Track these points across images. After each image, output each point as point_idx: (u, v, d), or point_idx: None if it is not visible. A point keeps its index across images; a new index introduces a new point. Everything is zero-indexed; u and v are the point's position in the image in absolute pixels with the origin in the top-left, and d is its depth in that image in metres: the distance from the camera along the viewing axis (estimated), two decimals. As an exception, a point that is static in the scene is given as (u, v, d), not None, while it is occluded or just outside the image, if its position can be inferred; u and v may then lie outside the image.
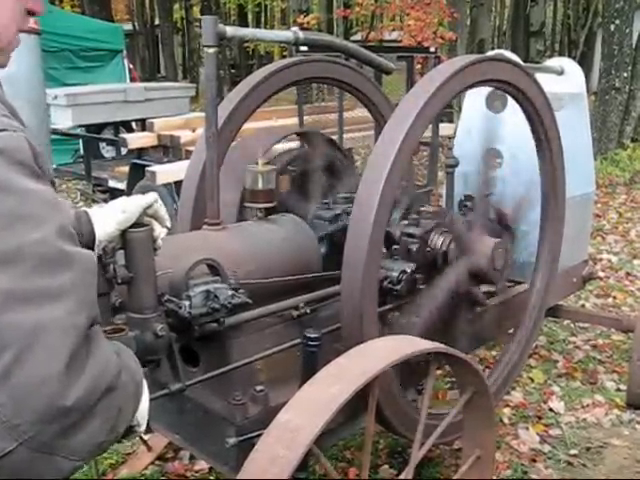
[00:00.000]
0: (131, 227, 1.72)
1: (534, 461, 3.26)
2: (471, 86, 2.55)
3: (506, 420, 3.59)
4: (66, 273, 1.10)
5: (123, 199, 1.76)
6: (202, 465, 3.14)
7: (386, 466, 3.16)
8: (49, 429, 1.04)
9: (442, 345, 1.97)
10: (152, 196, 1.74)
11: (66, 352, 1.05)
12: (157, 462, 3.21)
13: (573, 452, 3.34)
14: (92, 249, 1.68)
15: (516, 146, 3.35)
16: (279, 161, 2.94)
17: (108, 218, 1.69)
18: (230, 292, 1.98)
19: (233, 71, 25.26)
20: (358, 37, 20.80)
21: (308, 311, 2.34)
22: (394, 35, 15.31)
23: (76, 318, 1.09)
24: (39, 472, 1.08)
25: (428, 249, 2.62)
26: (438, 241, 2.63)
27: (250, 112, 2.84)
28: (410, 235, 2.61)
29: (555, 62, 3.88)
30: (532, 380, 4.03)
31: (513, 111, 3.02)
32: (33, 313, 1.04)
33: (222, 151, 2.64)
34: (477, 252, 2.68)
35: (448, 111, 9.66)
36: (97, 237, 1.68)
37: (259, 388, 2.17)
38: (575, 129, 3.59)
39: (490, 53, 3.32)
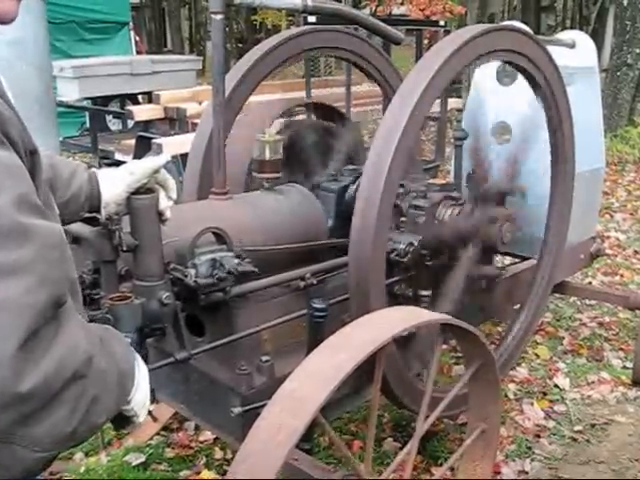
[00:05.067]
0: (138, 194, 1.71)
1: (538, 436, 3.27)
2: (481, 56, 2.50)
3: (511, 395, 3.58)
4: (24, 247, 0.98)
5: (132, 162, 1.76)
6: (207, 436, 3.16)
7: (390, 439, 3.17)
8: (4, 417, 0.97)
9: (449, 316, 1.96)
10: (162, 158, 1.73)
11: (19, 334, 0.95)
12: (162, 433, 3.23)
13: (577, 428, 3.34)
14: (98, 210, 1.68)
15: (526, 120, 3.30)
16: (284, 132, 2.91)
17: (117, 179, 1.69)
18: (236, 260, 1.97)
19: (240, 45, 25.03)
20: (366, 12, 20.61)
21: (314, 282, 2.33)
22: (402, 10, 15.16)
23: (34, 297, 0.98)
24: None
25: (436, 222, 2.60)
26: (446, 214, 2.61)
27: (258, 82, 2.80)
28: (418, 207, 2.58)
29: (566, 35, 3.81)
30: (538, 356, 4.03)
31: (524, 85, 2.97)
32: None
33: (229, 120, 2.61)
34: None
35: (457, 86, 9.58)
36: (103, 198, 1.67)
37: (265, 358, 2.17)
38: (586, 103, 3.54)
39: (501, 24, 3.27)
